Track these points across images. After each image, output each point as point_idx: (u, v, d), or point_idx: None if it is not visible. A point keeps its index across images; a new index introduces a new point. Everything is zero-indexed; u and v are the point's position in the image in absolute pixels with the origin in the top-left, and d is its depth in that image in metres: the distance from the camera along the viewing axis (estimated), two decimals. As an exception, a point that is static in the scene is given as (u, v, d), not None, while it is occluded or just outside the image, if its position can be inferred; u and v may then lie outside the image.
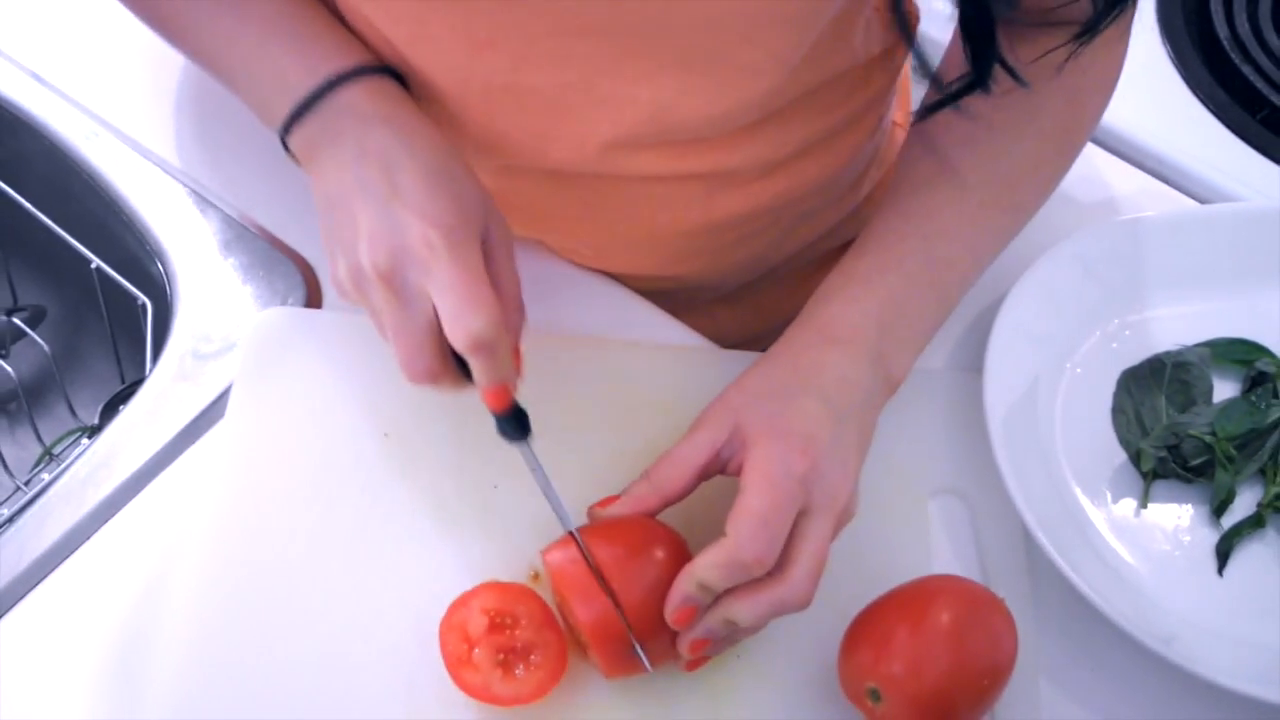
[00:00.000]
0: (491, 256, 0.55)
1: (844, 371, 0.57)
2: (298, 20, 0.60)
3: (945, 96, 0.58)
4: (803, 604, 0.52)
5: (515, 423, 0.55)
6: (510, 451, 0.56)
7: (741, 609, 0.51)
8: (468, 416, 0.56)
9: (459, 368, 0.54)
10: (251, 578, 0.57)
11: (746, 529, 0.51)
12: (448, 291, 0.51)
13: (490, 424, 0.55)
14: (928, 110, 0.61)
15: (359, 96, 0.57)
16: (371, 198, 0.54)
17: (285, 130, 0.58)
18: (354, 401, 0.62)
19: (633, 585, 0.52)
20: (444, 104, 0.61)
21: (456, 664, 0.53)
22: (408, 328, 0.53)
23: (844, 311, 0.59)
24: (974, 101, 0.58)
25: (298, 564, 0.58)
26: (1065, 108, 0.64)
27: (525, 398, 0.55)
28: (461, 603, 0.55)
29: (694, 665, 0.54)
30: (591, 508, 0.56)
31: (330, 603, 0.57)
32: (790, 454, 0.53)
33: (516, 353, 0.56)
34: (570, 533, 0.54)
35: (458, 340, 0.51)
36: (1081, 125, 0.66)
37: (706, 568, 0.51)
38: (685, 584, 0.51)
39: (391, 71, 0.60)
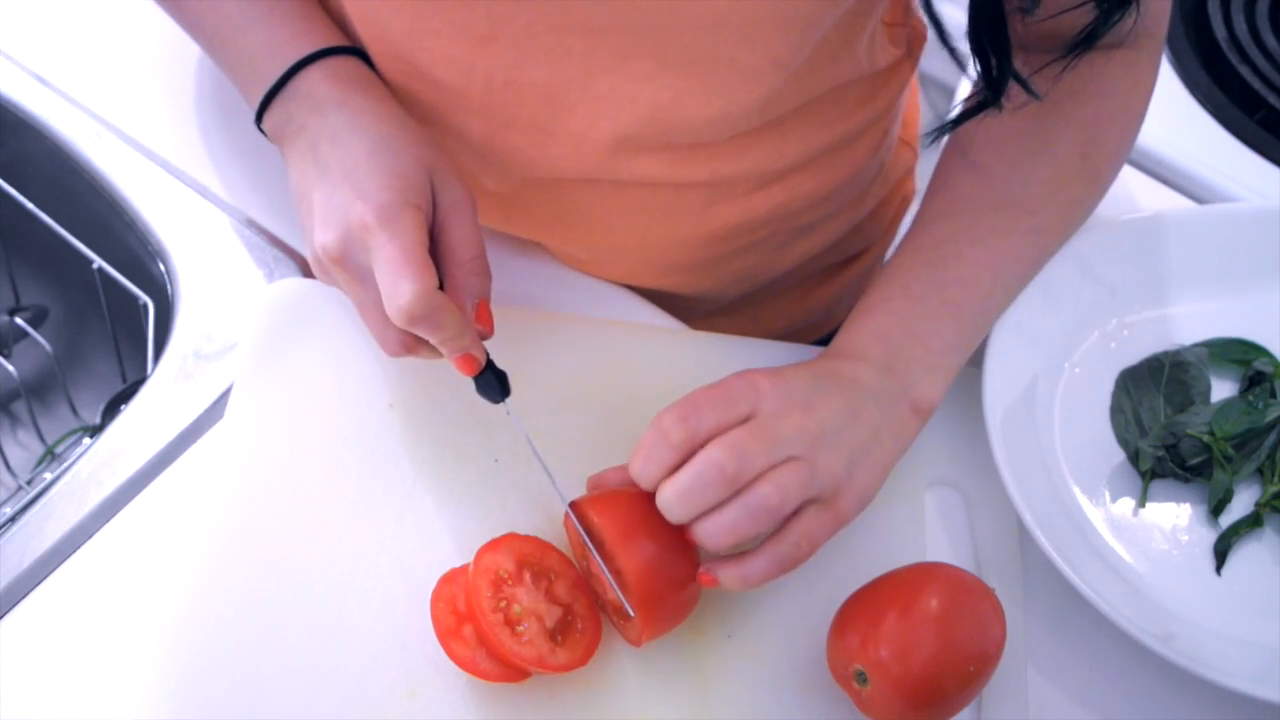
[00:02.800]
0: (443, 222, 0.56)
1: (854, 374, 0.58)
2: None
3: (959, 115, 0.59)
4: (774, 501, 0.51)
5: (492, 383, 0.56)
6: (511, 426, 0.55)
7: (717, 518, 0.51)
8: (470, 388, 0.57)
9: None
10: (255, 552, 0.58)
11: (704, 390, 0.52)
12: (380, 269, 0.52)
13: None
14: (940, 130, 0.61)
15: (318, 81, 0.59)
16: (323, 183, 0.55)
17: (258, 119, 0.60)
18: (360, 372, 0.63)
19: (633, 556, 0.52)
20: (445, 102, 0.62)
21: (446, 635, 0.54)
22: (369, 306, 0.55)
23: (853, 336, 0.61)
24: (988, 131, 0.58)
25: (300, 533, 0.58)
26: (1081, 133, 0.64)
27: (531, 376, 0.54)
28: (450, 578, 0.55)
29: (710, 582, 0.54)
30: (591, 478, 0.56)
31: (330, 574, 0.57)
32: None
33: (483, 312, 0.56)
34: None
35: (392, 318, 0.52)
36: (1102, 150, 0.65)
37: (665, 412, 0.51)
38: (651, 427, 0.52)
39: (357, 52, 0.61)
